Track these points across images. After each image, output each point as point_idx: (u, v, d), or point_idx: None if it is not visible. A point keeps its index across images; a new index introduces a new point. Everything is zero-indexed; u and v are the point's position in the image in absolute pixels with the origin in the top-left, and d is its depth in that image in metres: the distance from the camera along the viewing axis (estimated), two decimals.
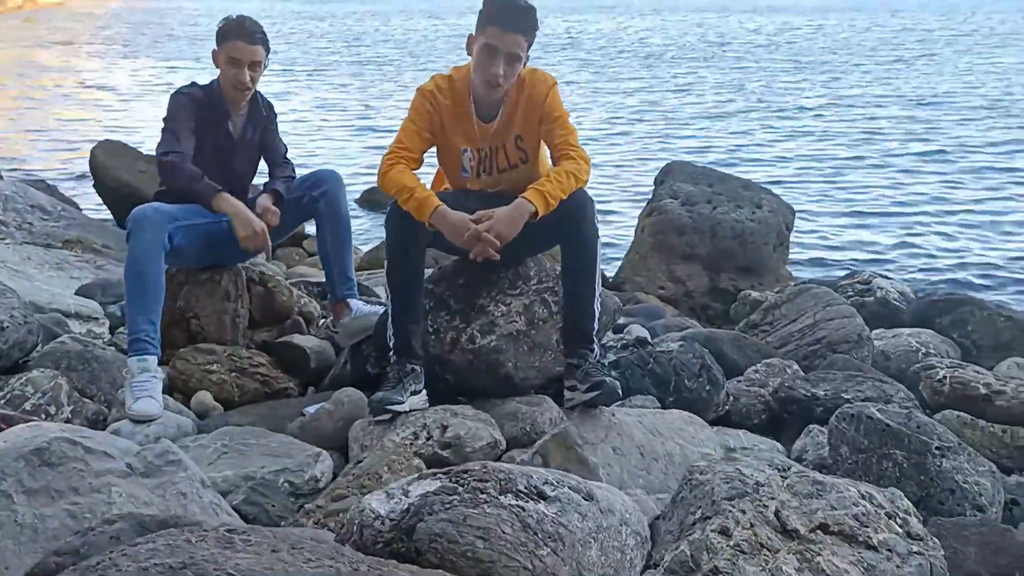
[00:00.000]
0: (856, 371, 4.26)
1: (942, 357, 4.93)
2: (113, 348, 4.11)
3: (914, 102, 18.30)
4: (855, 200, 11.19)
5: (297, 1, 56.96)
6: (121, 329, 5.12)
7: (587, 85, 22.12)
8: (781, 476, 2.15)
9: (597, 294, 3.30)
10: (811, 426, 3.78)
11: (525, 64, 3.36)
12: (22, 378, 3.47)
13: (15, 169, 12.96)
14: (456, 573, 1.55)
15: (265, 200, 3.90)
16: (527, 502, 1.68)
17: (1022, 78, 21.30)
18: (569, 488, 1.74)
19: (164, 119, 3.85)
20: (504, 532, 1.62)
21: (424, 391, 3.32)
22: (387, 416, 3.21)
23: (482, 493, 1.69)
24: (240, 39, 3.80)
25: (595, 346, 3.33)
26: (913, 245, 9.20)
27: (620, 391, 3.19)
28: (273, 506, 2.82)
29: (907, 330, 5.28)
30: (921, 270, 8.40)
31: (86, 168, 13.31)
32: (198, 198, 3.75)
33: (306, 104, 19.35)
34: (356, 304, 3.90)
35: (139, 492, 2.44)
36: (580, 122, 16.32)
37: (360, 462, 2.82)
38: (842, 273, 9.49)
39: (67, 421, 3.39)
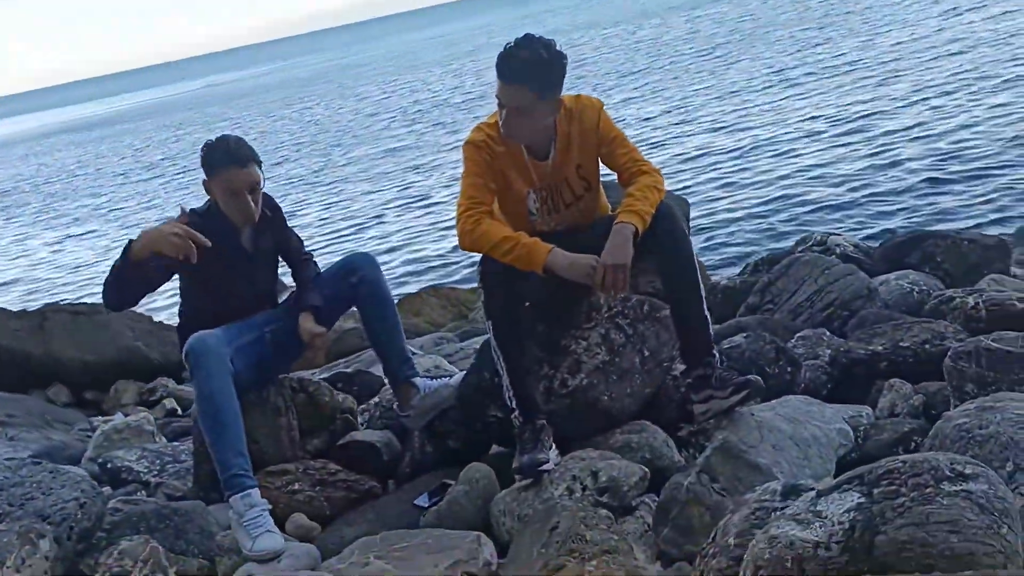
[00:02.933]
0: (893, 320, 4.37)
1: (931, 290, 5.14)
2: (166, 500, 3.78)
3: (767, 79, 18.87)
4: (734, 180, 11.59)
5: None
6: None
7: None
8: None
9: (704, 298, 3.27)
10: (891, 380, 3.83)
11: (556, 105, 3.27)
12: (113, 552, 3.13)
13: None
14: (928, 573, 1.47)
15: (307, 322, 3.61)
16: (965, 484, 1.62)
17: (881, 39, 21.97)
18: (971, 466, 1.68)
19: None
20: (970, 520, 1.55)
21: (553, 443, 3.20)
22: (531, 480, 3.08)
23: (926, 488, 1.61)
24: (233, 165, 3.52)
25: (715, 350, 3.29)
26: (816, 210, 9.60)
27: (764, 385, 3.16)
28: None
29: (892, 275, 5.45)
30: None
31: None
32: (125, 265, 3.31)
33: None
34: (423, 382, 3.73)
35: None
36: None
37: (555, 528, 2.67)
38: (743, 252, 9.81)
39: None
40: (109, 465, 4.79)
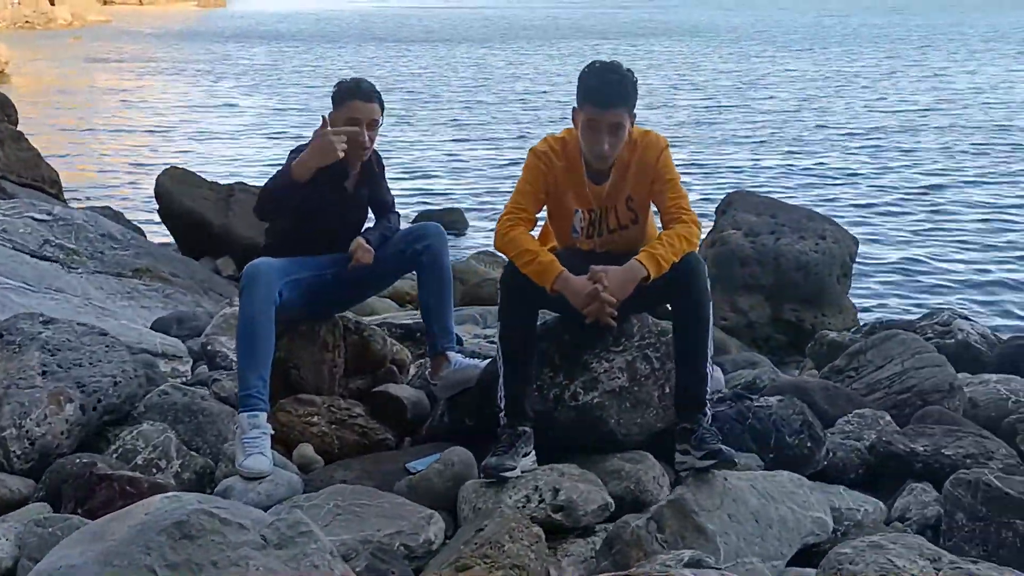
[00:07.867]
0: (953, 424, 4.20)
1: None
2: (212, 397, 4.15)
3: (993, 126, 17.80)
4: (922, 231, 11.05)
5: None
6: (202, 365, 5.22)
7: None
8: (934, 568, 2.13)
9: (709, 357, 3.30)
10: (914, 485, 3.73)
11: (633, 123, 3.37)
12: (133, 431, 3.53)
13: (80, 196, 13.20)
14: None
15: (357, 241, 3.94)
16: None
17: None
18: None
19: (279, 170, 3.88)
20: None
21: (533, 452, 3.34)
22: (494, 479, 3.23)
23: None
24: (357, 99, 3.85)
25: (707, 410, 3.33)
26: (985, 282, 9.07)
27: (736, 461, 3.18)
28: (394, 572, 2.83)
29: (994, 376, 5.18)
30: (995, 312, 8.27)
31: (148, 195, 13.55)
32: (288, 183, 3.67)
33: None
34: (455, 357, 3.92)
35: (274, 564, 2.46)
36: None
37: (481, 530, 2.83)
38: (903, 304, 9.41)
39: (176, 475, 3.45)
40: (209, 347, 5.27)
